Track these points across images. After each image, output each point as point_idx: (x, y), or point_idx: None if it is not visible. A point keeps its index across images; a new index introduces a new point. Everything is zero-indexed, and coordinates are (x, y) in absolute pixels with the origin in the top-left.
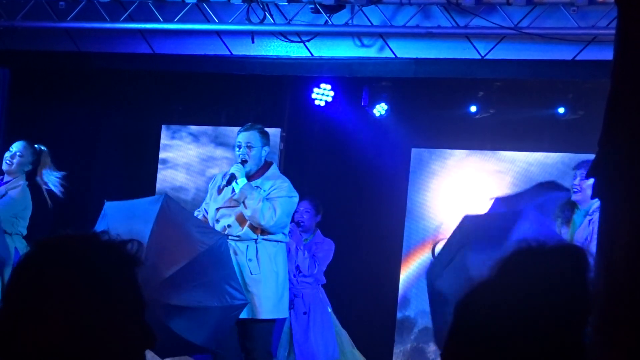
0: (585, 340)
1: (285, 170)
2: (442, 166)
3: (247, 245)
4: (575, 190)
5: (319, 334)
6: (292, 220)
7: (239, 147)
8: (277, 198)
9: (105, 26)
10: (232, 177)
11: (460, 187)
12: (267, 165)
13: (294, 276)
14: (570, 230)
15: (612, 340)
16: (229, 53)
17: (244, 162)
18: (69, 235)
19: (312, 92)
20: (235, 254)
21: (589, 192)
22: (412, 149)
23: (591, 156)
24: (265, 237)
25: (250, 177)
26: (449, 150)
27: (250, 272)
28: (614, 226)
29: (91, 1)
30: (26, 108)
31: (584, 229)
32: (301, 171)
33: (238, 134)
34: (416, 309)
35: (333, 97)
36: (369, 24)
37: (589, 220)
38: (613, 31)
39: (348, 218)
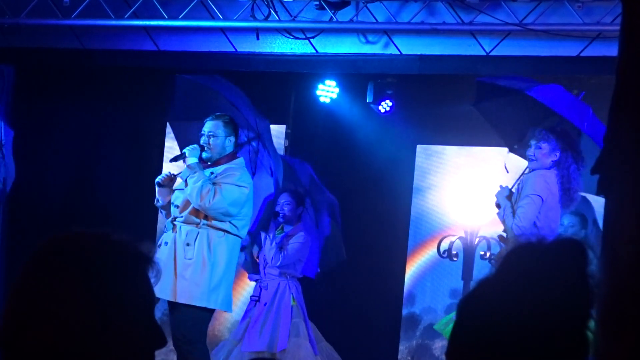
0: (589, 334)
1: None
2: (447, 163)
3: (189, 230)
4: (531, 159)
5: (272, 325)
6: (275, 216)
7: (202, 135)
8: (222, 183)
9: (109, 23)
10: (182, 155)
11: (466, 183)
12: (232, 155)
13: (263, 268)
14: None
15: (615, 334)
16: (234, 50)
17: (202, 148)
18: (81, 233)
19: (317, 88)
20: (178, 234)
21: (544, 160)
22: (417, 146)
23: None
24: (209, 223)
25: (210, 165)
26: (454, 147)
27: (185, 257)
28: (619, 222)
29: None
30: (30, 105)
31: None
32: None
33: (204, 123)
34: (421, 305)
35: (338, 94)
36: (374, 20)
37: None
38: (618, 27)
39: (353, 214)
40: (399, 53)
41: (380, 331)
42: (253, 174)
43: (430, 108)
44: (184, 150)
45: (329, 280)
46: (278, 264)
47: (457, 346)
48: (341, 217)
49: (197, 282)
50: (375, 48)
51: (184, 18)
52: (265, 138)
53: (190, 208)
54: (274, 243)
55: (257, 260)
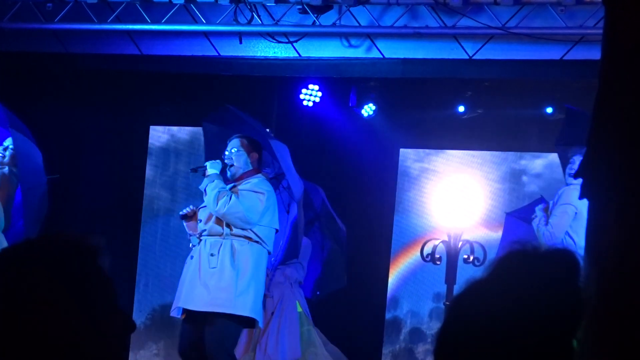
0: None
1: None
2: (430, 166)
3: (213, 241)
4: (570, 174)
5: (282, 334)
6: None
7: (225, 155)
8: (239, 190)
9: (92, 27)
10: (203, 167)
11: (449, 187)
12: (254, 171)
13: (267, 275)
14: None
15: (600, 337)
16: (217, 54)
17: (229, 165)
18: (27, 241)
19: (300, 92)
20: (203, 247)
21: None
22: (401, 149)
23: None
24: (234, 233)
25: (235, 180)
26: (437, 151)
27: (209, 266)
28: (602, 226)
29: (78, 2)
30: (13, 109)
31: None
32: None
33: (227, 143)
34: (405, 309)
35: (321, 98)
36: (357, 24)
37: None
38: (600, 31)
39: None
40: (381, 57)
41: (364, 335)
42: (287, 212)
43: (414, 112)
44: (206, 163)
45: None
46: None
47: (444, 348)
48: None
49: (222, 289)
50: (358, 52)
51: (167, 22)
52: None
53: (213, 219)
54: (280, 242)
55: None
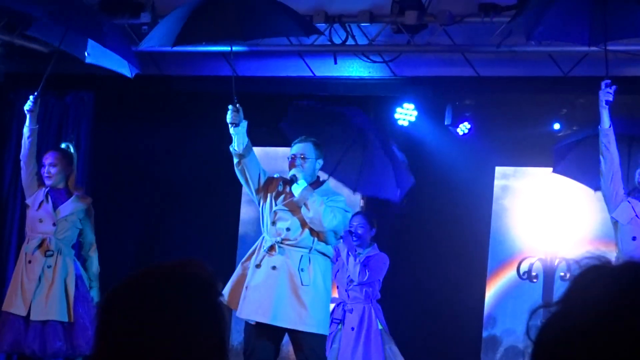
0: None
1: None
2: (526, 184)
3: (302, 255)
4: None
5: (366, 351)
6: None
7: (294, 157)
8: (335, 207)
9: (187, 49)
10: (294, 178)
11: (545, 205)
12: (319, 180)
13: (346, 290)
14: None
15: None
16: (312, 74)
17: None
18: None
19: (395, 112)
20: (288, 258)
21: None
22: (496, 167)
23: None
24: (319, 248)
25: None
26: (532, 169)
27: (302, 283)
28: None
29: None
30: (110, 131)
31: None
32: None
33: (292, 146)
34: (502, 327)
35: (416, 117)
36: (451, 42)
37: None
38: None
39: (432, 237)
40: (476, 75)
41: (461, 353)
42: None
43: (509, 130)
44: (292, 173)
45: (409, 303)
46: (365, 279)
47: None
48: (420, 238)
49: (316, 309)
50: (452, 70)
51: (262, 43)
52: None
53: (304, 232)
54: (357, 260)
55: (336, 282)
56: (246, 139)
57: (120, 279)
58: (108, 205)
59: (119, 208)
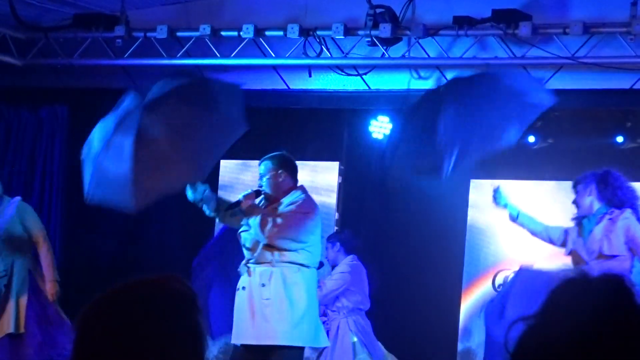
0: None
1: (343, 203)
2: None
3: (263, 271)
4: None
5: None
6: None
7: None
8: (282, 211)
9: (161, 63)
10: (237, 203)
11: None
12: (289, 189)
13: (325, 306)
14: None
15: None
16: (286, 87)
17: (257, 192)
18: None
19: (369, 124)
20: (252, 277)
21: (588, 202)
22: (471, 180)
23: None
24: (287, 259)
25: (272, 202)
26: (509, 181)
27: (262, 297)
28: None
29: (148, 38)
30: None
31: (600, 229)
32: (360, 204)
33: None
34: (478, 340)
35: (391, 130)
36: (426, 55)
37: (609, 218)
38: None
39: (407, 248)
40: None
41: None
42: None
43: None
44: (239, 198)
45: (385, 314)
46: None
47: None
48: (395, 250)
49: (277, 321)
50: (427, 83)
51: (236, 56)
52: None
53: (260, 248)
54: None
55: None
56: (214, 203)
57: (98, 291)
58: (82, 220)
59: (93, 224)
